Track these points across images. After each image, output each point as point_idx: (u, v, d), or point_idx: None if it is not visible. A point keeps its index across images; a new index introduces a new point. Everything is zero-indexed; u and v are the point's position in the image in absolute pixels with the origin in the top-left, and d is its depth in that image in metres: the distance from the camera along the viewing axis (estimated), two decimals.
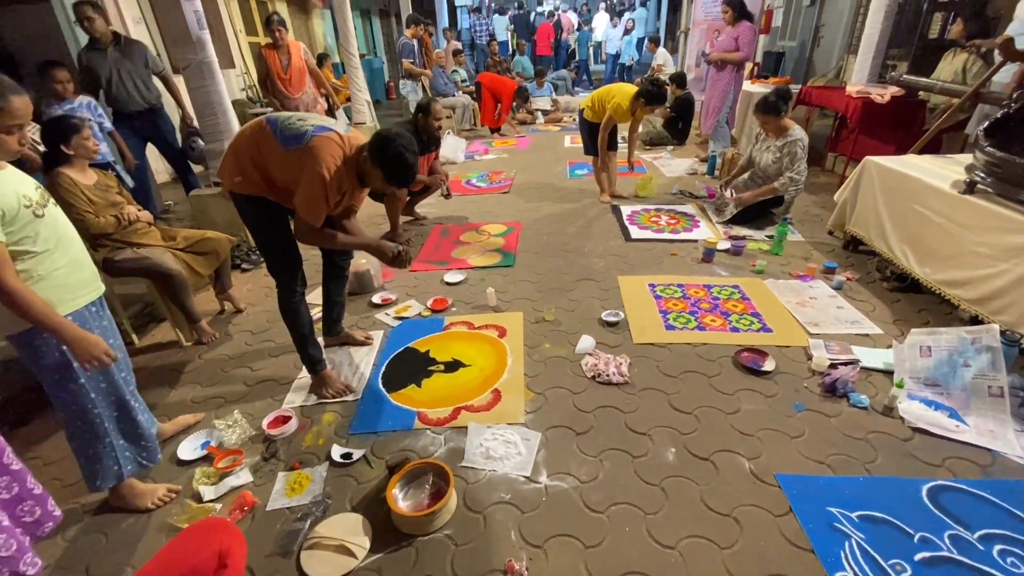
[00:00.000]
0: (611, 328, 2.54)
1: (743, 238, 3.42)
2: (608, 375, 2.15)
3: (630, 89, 3.89)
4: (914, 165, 2.83)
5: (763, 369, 2.16)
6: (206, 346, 2.65)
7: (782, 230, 3.24)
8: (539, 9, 15.12)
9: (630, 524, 1.54)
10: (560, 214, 4.14)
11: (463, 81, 8.23)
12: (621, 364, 2.20)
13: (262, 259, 3.55)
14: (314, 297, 2.60)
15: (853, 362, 2.16)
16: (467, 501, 1.65)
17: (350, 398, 2.17)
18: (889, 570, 1.38)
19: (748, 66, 5.36)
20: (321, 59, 7.70)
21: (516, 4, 14.30)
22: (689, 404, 2.01)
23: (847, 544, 1.45)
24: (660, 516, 1.56)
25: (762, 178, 3.61)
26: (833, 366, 2.14)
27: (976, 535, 1.47)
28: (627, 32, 11.49)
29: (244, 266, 3.54)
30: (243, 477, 1.82)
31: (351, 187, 1.92)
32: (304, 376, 2.31)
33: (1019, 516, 1.52)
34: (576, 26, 13.32)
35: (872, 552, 1.42)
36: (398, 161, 1.80)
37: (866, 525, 1.51)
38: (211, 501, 1.73)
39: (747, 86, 5.53)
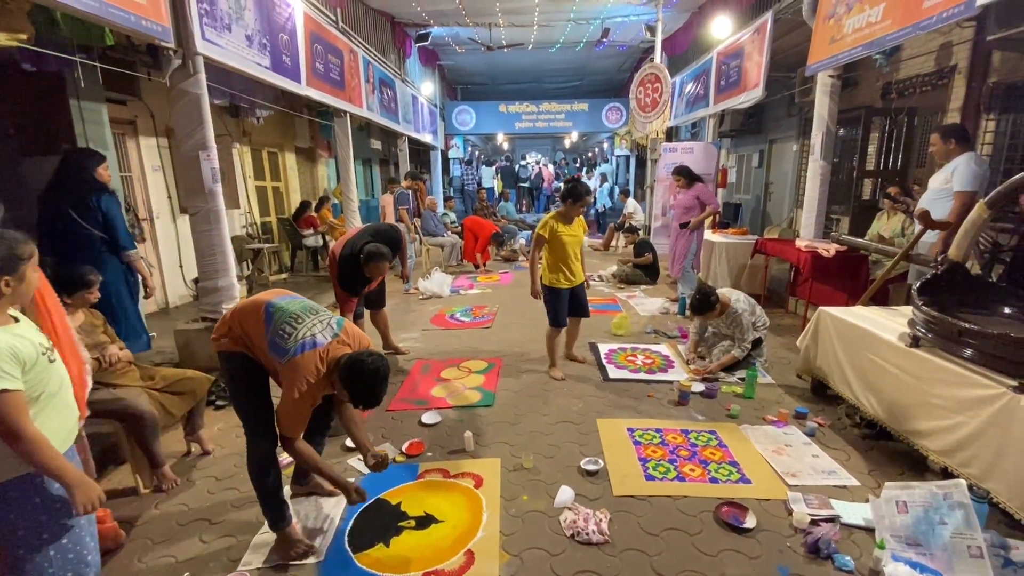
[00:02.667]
0: (591, 478, 2.49)
1: (716, 380, 3.53)
2: (588, 534, 2.07)
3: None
4: (864, 316, 3.06)
5: (744, 526, 2.11)
6: (164, 494, 2.50)
7: (752, 373, 3.37)
8: (523, 163, 16.98)
9: None
10: (541, 350, 4.25)
11: (452, 223, 8.92)
12: (601, 521, 2.13)
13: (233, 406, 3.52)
14: None
15: (834, 518, 2.13)
16: None
17: (311, 560, 2.02)
18: None
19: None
20: (322, 200, 8.39)
21: (504, 157, 16.08)
22: (671, 568, 1.92)
23: None
24: None
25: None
26: (814, 522, 2.10)
27: None
28: (602, 183, 12.85)
29: (218, 403, 3.47)
30: None
31: (331, 390, 1.97)
32: (266, 531, 2.16)
33: None
34: (555, 177, 14.87)
35: None
36: (367, 393, 1.88)
37: None
38: None
39: (708, 235, 6.10)
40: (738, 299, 3.67)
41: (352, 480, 2.46)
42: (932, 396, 2.38)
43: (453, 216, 9.18)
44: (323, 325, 1.96)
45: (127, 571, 2.01)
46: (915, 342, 2.54)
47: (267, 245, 7.10)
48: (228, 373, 2.07)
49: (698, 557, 1.97)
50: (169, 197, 5.85)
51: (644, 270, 6.76)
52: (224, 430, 3.13)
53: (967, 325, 2.26)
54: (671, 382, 3.55)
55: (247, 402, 2.05)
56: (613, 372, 3.79)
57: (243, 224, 7.22)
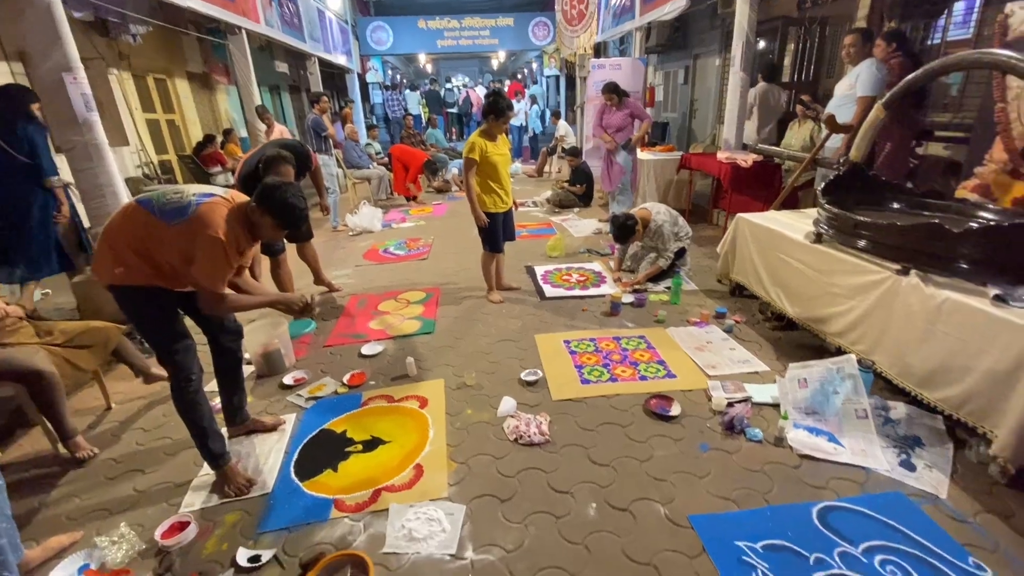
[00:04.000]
0: (531, 387, 2.61)
1: (645, 291, 3.71)
2: (530, 436, 2.19)
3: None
4: (776, 220, 3.28)
5: (670, 414, 2.31)
6: (83, 466, 2.29)
7: (677, 281, 3.57)
8: (448, 86, 16.07)
9: None
10: (478, 277, 4.24)
11: (377, 153, 8.42)
12: (542, 423, 2.26)
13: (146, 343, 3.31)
14: (213, 386, 2.44)
15: (746, 399, 2.37)
16: None
17: (257, 493, 2.02)
18: None
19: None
20: (226, 134, 7.60)
21: (429, 80, 15.10)
22: (607, 456, 2.09)
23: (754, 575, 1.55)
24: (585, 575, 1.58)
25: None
26: (730, 404, 2.34)
27: (860, 549, 1.63)
28: (531, 105, 12.47)
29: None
30: None
31: (247, 243, 1.91)
32: (206, 473, 2.12)
33: (892, 526, 1.72)
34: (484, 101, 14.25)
35: None
36: (286, 205, 1.84)
37: (769, 554, 1.62)
38: None
39: (639, 153, 6.16)
40: (659, 212, 3.80)
41: (284, 420, 2.45)
42: (831, 286, 2.63)
43: (378, 146, 8.64)
44: (210, 188, 1.91)
45: (55, 527, 1.91)
46: (818, 238, 2.76)
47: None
48: (128, 307, 1.90)
49: (631, 445, 2.16)
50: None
51: (577, 194, 6.79)
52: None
53: (862, 218, 2.47)
54: (603, 296, 3.70)
55: (161, 331, 1.92)
56: (549, 291, 3.88)
57: (137, 164, 6.45)
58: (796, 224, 3.14)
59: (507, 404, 2.43)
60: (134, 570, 1.71)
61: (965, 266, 2.10)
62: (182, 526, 1.85)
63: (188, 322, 2.03)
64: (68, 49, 3.08)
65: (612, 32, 9.14)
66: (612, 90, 5.09)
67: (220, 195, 1.86)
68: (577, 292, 3.84)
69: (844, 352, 2.52)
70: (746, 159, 4.50)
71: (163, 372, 2.70)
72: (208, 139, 7.16)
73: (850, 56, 3.57)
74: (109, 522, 1.93)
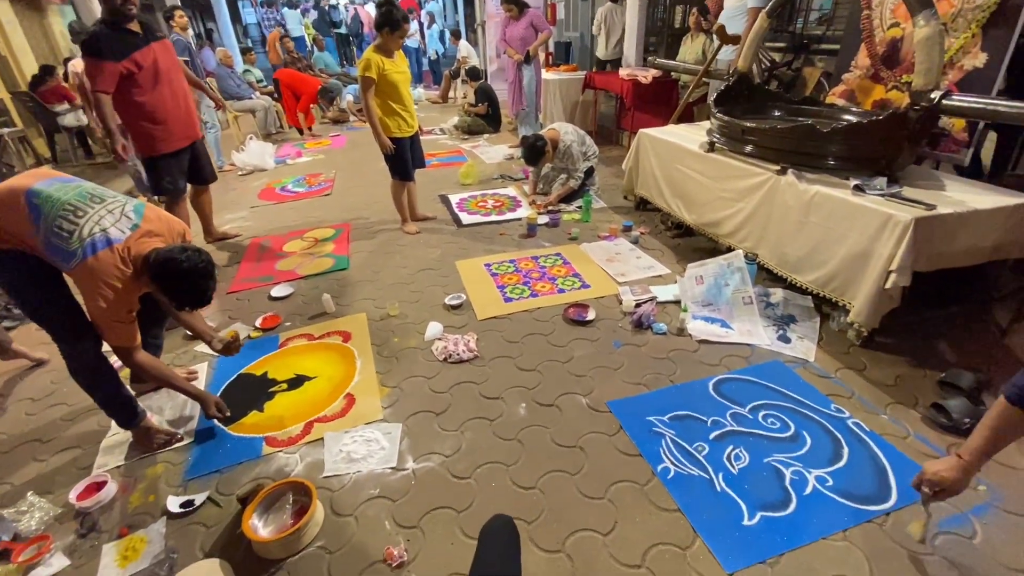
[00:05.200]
0: (456, 311, 2.66)
1: (558, 211, 3.81)
2: (459, 354, 2.26)
3: None
4: (674, 133, 3.45)
5: (587, 319, 2.49)
6: None
7: (587, 199, 3.70)
8: (332, 2, 14.39)
9: (495, 480, 1.69)
10: (389, 209, 4.09)
11: (259, 81, 7.54)
12: (469, 341, 2.33)
13: (19, 321, 2.92)
14: None
15: (652, 299, 2.60)
16: (335, 508, 1.63)
17: (180, 444, 1.94)
18: (694, 452, 1.74)
19: (542, 55, 5.83)
20: (66, 63, 6.38)
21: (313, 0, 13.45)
22: (532, 363, 2.23)
23: (663, 442, 1.78)
24: (520, 464, 1.73)
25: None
26: (638, 305, 2.55)
27: (747, 408, 1.92)
28: (430, 24, 11.62)
29: (6, 324, 2.85)
30: (56, 563, 1.53)
31: (140, 292, 1.69)
32: (116, 433, 1.99)
33: (772, 387, 2.03)
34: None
35: (681, 442, 1.78)
36: (188, 293, 1.63)
37: (674, 423, 1.86)
38: None
39: (544, 74, 6.05)
40: (567, 132, 3.83)
41: (196, 370, 2.33)
42: (721, 191, 2.87)
43: (258, 73, 7.71)
44: (115, 216, 1.61)
45: None
46: (711, 147, 2.96)
47: (6, 130, 5.38)
48: (3, 281, 1.66)
49: (553, 350, 2.31)
50: None
51: (486, 119, 6.61)
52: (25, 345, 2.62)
53: (749, 124, 2.67)
54: (520, 219, 3.75)
55: (40, 303, 1.70)
56: (466, 219, 3.86)
57: None
58: (692, 136, 3.31)
59: (434, 328, 2.47)
60: (53, 534, 1.61)
61: (832, 162, 2.38)
62: (99, 486, 1.75)
63: None
64: None
65: None
66: (512, 1, 4.86)
67: (120, 240, 1.58)
68: (494, 217, 3.85)
69: (733, 250, 2.81)
70: (646, 75, 4.60)
71: (25, 349, 2.45)
72: (46, 71, 5.97)
73: None
74: (12, 494, 1.78)
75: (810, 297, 2.51)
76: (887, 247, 2.01)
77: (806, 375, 2.11)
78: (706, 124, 3.55)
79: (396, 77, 3.17)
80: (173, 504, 1.66)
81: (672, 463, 1.70)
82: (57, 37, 7.29)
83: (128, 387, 1.99)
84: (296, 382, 2.20)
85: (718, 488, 1.61)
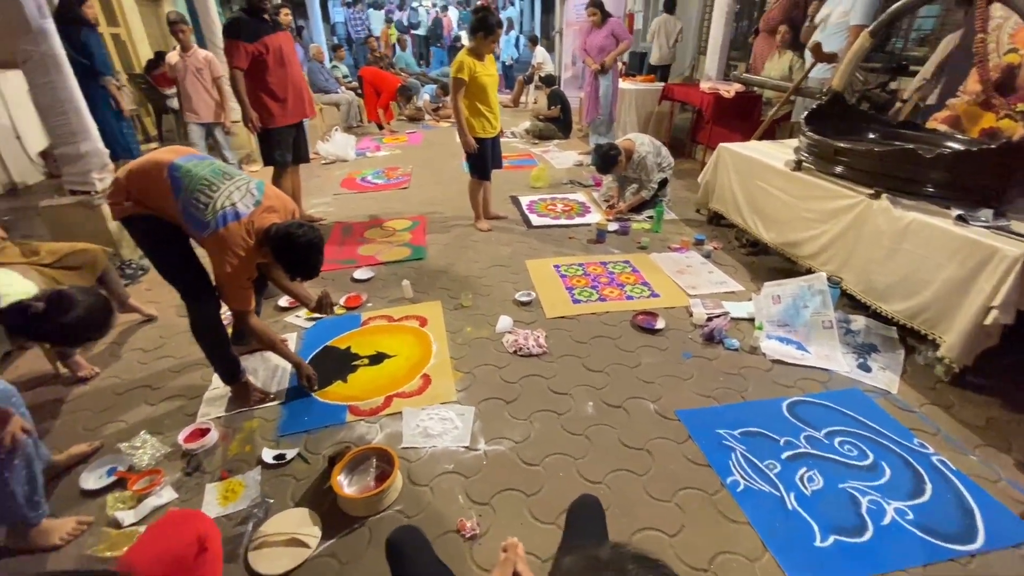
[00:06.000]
0: (525, 307, 2.74)
1: (628, 220, 3.83)
2: (528, 348, 2.34)
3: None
4: (756, 149, 3.39)
5: (656, 328, 2.50)
6: (86, 382, 2.33)
7: (660, 210, 3.69)
8: (414, 4, 14.96)
9: (563, 470, 1.74)
10: (463, 206, 4.23)
11: (345, 77, 7.97)
12: (539, 337, 2.41)
13: (140, 272, 3.27)
14: None
15: (724, 314, 2.57)
16: (412, 478, 1.74)
17: (273, 403, 2.12)
18: (764, 469, 1.73)
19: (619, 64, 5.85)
20: (162, 56, 6.99)
21: (398, 2, 14.05)
22: (600, 364, 2.27)
23: (733, 455, 1.78)
24: (587, 459, 1.78)
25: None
26: (709, 319, 2.54)
27: (823, 432, 1.89)
28: (508, 30, 11.86)
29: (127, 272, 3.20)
30: (166, 496, 1.72)
31: (258, 261, 1.87)
32: (217, 387, 2.20)
33: (850, 415, 1.98)
34: (456, 25, 13.42)
35: (752, 457, 1.77)
36: (302, 264, 1.80)
37: (745, 438, 1.86)
38: (133, 525, 1.62)
39: (620, 83, 6.06)
40: (642, 143, 3.84)
41: (286, 339, 2.52)
42: (805, 211, 2.80)
43: (344, 69, 8.14)
44: (242, 191, 1.78)
45: (73, 438, 1.98)
46: (797, 166, 2.90)
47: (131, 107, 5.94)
48: (142, 240, 1.90)
49: (620, 354, 2.34)
50: None
51: (557, 124, 6.70)
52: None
53: (842, 144, 2.60)
54: (589, 225, 3.80)
55: (173, 265, 1.92)
56: (536, 220, 3.95)
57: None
58: (775, 153, 3.25)
59: (504, 322, 2.56)
60: (164, 470, 1.81)
61: (932, 190, 2.29)
62: (203, 432, 1.94)
63: None
64: None
65: None
66: (596, 4, 4.90)
67: (246, 214, 1.75)
68: (563, 221, 3.92)
69: (813, 272, 2.74)
70: (728, 89, 4.53)
71: (139, 304, 2.73)
72: (160, 56, 6.58)
73: None
74: (128, 431, 2.01)
75: (894, 327, 2.41)
76: (990, 282, 1.91)
77: (887, 406, 2.03)
78: (790, 142, 3.48)
79: (485, 80, 3.31)
80: (267, 455, 1.83)
81: (742, 477, 1.70)
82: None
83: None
84: (377, 358, 2.35)
85: (789, 506, 1.60)
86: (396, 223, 3.96)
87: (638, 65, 9.34)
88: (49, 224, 3.40)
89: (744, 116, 4.68)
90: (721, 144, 3.56)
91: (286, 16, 5.51)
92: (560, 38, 8.35)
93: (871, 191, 2.43)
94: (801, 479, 1.69)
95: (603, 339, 2.45)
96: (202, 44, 6.88)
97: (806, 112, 3.03)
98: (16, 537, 1.54)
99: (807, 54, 4.22)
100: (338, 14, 13.23)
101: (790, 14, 4.96)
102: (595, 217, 3.95)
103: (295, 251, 1.76)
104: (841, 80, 3.00)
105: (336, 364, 2.32)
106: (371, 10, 13.12)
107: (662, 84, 5.82)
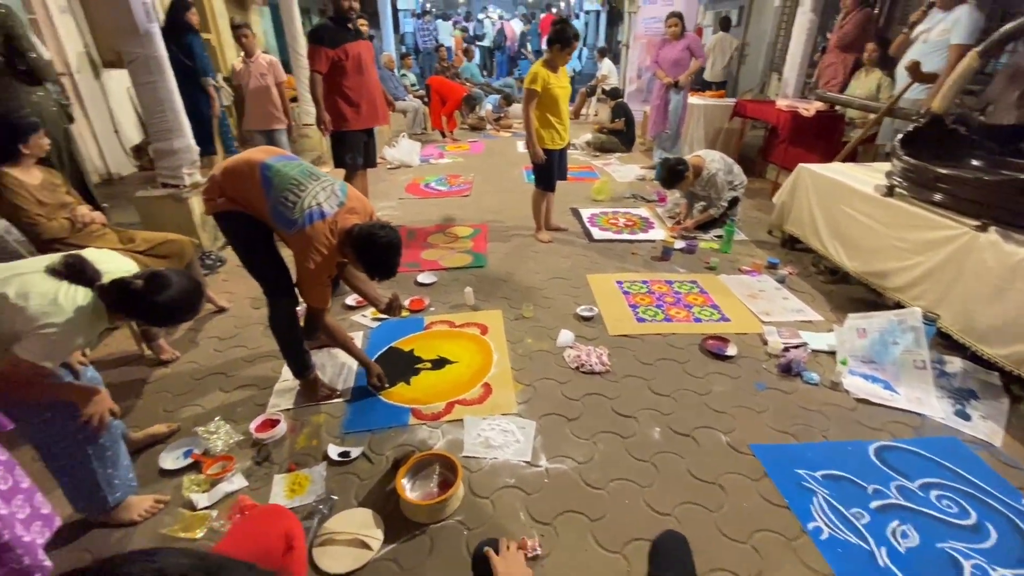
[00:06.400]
0: (587, 322, 2.68)
1: (695, 238, 3.70)
2: (591, 365, 2.29)
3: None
4: (841, 172, 3.20)
5: (727, 354, 2.38)
6: (167, 366, 2.46)
7: (730, 230, 3.55)
8: (480, 16, 15.30)
9: (628, 497, 1.67)
10: (522, 215, 4.22)
11: (412, 85, 8.21)
12: (602, 354, 2.35)
13: (219, 264, 3.45)
14: None
15: (803, 344, 2.42)
16: (473, 488, 1.72)
17: (338, 400, 2.16)
18: (851, 518, 1.59)
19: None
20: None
21: (464, 14, 14.40)
22: (666, 388, 2.18)
23: (815, 499, 1.65)
24: (654, 488, 1.70)
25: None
26: (786, 349, 2.39)
27: (916, 484, 1.72)
28: None
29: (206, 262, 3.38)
30: (237, 482, 1.78)
31: (339, 260, 1.93)
32: (286, 380, 2.27)
33: (947, 467, 1.80)
34: (520, 35, 13.60)
35: (836, 504, 1.63)
36: (382, 265, 1.84)
37: (829, 482, 1.72)
38: (206, 508, 1.68)
39: (689, 99, 5.92)
40: (713, 159, 3.70)
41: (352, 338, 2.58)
42: (897, 240, 2.61)
43: (412, 77, 8.41)
44: (327, 192, 1.84)
45: (153, 418, 2.08)
46: (890, 191, 2.71)
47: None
48: (231, 234, 1.98)
49: (689, 379, 2.24)
50: (87, 48, 5.02)
51: (619, 137, 6.62)
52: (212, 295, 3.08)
53: (944, 171, 2.41)
54: (653, 241, 3.70)
55: (259, 261, 2.00)
56: (597, 234, 3.89)
57: None
58: (861, 176, 3.06)
59: (565, 336, 2.51)
60: (236, 456, 1.87)
61: None
62: (273, 423, 2.00)
63: None
64: None
65: None
66: (678, 16, 4.81)
67: (331, 214, 1.80)
68: (626, 236, 3.84)
69: (903, 306, 2.54)
70: (808, 107, 4.32)
71: (213, 295, 2.87)
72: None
73: (942, 2, 3.34)
74: (204, 416, 2.10)
75: (996, 373, 2.19)
76: None
77: (991, 460, 1.84)
78: (877, 165, 3.27)
79: (558, 92, 3.30)
80: (333, 452, 1.86)
81: (826, 524, 1.57)
82: (255, 32, 8.52)
83: None
84: (439, 363, 2.36)
85: (881, 563, 1.46)
86: (458, 229, 4.00)
87: (703, 82, 9.14)
88: (141, 213, 3.65)
89: (823, 136, 4.44)
90: (801, 164, 3.39)
91: (364, 26, 5.75)
92: (626, 51, 8.27)
93: (977, 223, 2.23)
94: (893, 533, 1.55)
95: (670, 362, 2.36)
96: (284, 51, 7.29)
97: (900, 135, 2.83)
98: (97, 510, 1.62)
99: (898, 73, 3.97)
100: (408, 24, 13.70)
101: (866, 30, 4.71)
102: (659, 233, 3.85)
103: (377, 251, 1.79)
104: (943, 102, 2.79)
105: (400, 366, 2.35)
106: (439, 21, 13.52)
107: (733, 100, 5.63)
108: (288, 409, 2.12)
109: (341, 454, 1.85)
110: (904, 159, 2.65)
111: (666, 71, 4.88)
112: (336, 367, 2.36)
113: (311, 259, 1.78)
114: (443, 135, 7.49)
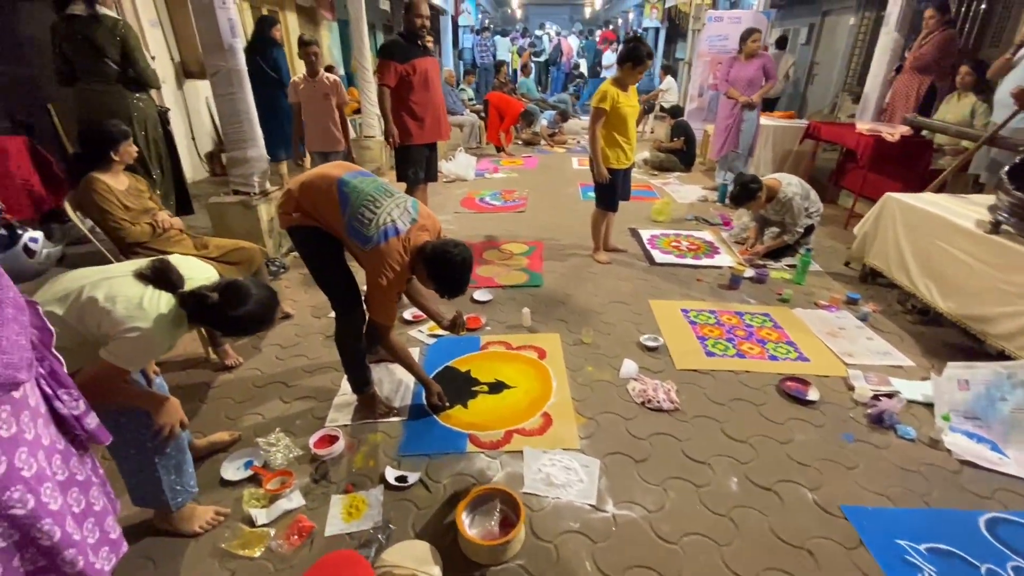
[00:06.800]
0: (651, 353, 2.55)
1: (764, 266, 3.50)
2: (659, 401, 2.16)
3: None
4: (935, 203, 2.94)
5: (808, 399, 2.20)
6: (231, 371, 2.50)
7: (806, 260, 3.33)
8: (538, 33, 15.44)
9: (705, 555, 1.54)
10: (580, 234, 4.12)
11: (470, 100, 8.32)
12: (670, 390, 2.21)
13: (283, 271, 3.52)
14: None
15: (895, 393, 2.21)
16: (535, 529, 1.62)
17: (395, 419, 2.12)
18: None
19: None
20: (328, 71, 7.71)
21: (521, 30, 14.59)
22: (742, 432, 2.03)
23: None
24: (734, 547, 1.56)
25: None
26: (875, 397, 2.18)
27: None
28: None
29: (270, 268, 3.47)
30: (295, 500, 1.76)
31: (408, 275, 1.91)
32: (345, 393, 2.25)
33: None
34: (576, 51, 13.62)
35: None
36: (454, 283, 1.81)
37: (935, 558, 1.53)
38: (264, 525, 1.66)
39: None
40: (790, 183, 3.49)
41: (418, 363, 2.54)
42: (1004, 282, 2.35)
43: (471, 92, 8.53)
44: (401, 209, 1.83)
45: (217, 424, 2.11)
46: (995, 228, 2.45)
47: None
48: (304, 248, 2.00)
49: (766, 424, 2.08)
50: (172, 59, 5.34)
51: (679, 156, 6.44)
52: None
53: None
54: (719, 267, 3.53)
55: (330, 276, 2.00)
56: (659, 257, 3.74)
57: None
58: (958, 209, 2.80)
59: (629, 367, 2.39)
60: (295, 472, 1.85)
61: None
62: (331, 440, 1.98)
63: None
64: None
65: None
66: (760, 32, 4.66)
67: (404, 231, 1.79)
68: (689, 260, 3.68)
69: (1009, 356, 2.28)
70: (893, 132, 4.04)
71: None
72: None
73: None
74: (264, 426, 2.10)
75: None
76: None
77: None
78: (976, 198, 3.02)
79: (627, 110, 3.21)
80: (390, 475, 1.81)
81: None
82: (323, 48, 8.88)
83: None
84: (497, 387, 2.29)
85: None
86: (513, 246, 3.95)
87: (770, 102, 8.82)
88: (213, 218, 3.80)
89: (908, 163, 4.13)
90: (888, 194, 3.15)
91: (430, 42, 5.86)
92: (688, 68, 8.09)
93: None
94: None
95: (744, 403, 2.20)
96: (346, 64, 7.52)
97: (1007, 167, 2.57)
98: (160, 518, 1.63)
99: (997, 98, 3.66)
100: (467, 40, 13.99)
101: (947, 52, 4.37)
102: (725, 259, 3.67)
103: (449, 269, 1.76)
104: None
105: (457, 387, 2.30)
106: (497, 37, 13.72)
107: (804, 122, 5.36)
108: (346, 425, 2.09)
109: (398, 478, 1.80)
110: (1014, 193, 2.40)
111: (741, 90, 4.69)
112: (393, 384, 2.33)
113: (384, 275, 1.76)
114: (498, 150, 7.52)
